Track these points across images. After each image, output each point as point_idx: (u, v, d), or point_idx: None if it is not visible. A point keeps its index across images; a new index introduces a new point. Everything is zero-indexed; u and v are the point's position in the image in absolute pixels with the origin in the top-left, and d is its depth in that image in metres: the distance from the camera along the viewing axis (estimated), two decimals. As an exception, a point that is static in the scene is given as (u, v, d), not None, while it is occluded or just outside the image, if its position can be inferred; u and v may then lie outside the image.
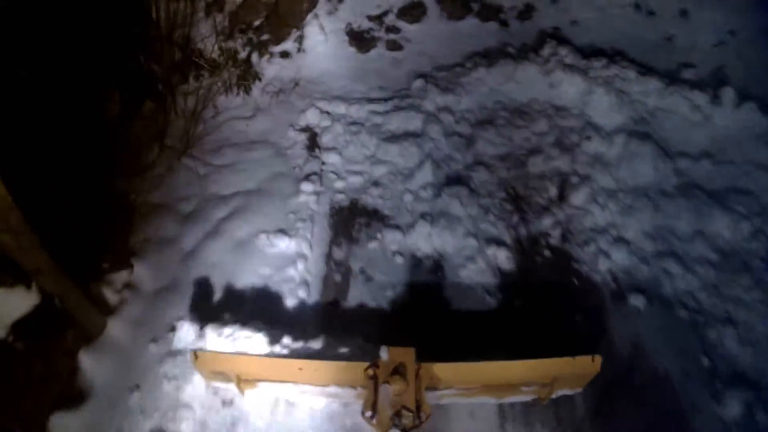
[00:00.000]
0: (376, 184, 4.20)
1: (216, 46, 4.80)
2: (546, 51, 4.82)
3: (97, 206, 4.12)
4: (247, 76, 4.80)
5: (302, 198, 4.10)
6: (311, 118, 4.68)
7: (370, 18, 5.22)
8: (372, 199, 4.13)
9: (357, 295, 3.60)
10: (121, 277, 3.74)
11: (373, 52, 5.14)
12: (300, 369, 2.61)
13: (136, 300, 3.64)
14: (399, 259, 3.77)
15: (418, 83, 4.78)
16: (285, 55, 5.01)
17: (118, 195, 4.31)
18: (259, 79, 4.85)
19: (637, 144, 4.26)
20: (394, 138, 4.42)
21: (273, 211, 4.03)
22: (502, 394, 2.79)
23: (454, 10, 5.23)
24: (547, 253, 3.85)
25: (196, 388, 2.97)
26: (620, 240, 3.85)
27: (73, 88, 4.31)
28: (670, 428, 3.04)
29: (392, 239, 3.85)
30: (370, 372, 2.49)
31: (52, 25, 4.07)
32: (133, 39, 4.52)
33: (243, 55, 4.93)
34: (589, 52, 4.90)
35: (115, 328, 3.41)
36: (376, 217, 4.00)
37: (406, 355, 2.49)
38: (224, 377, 2.73)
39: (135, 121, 4.76)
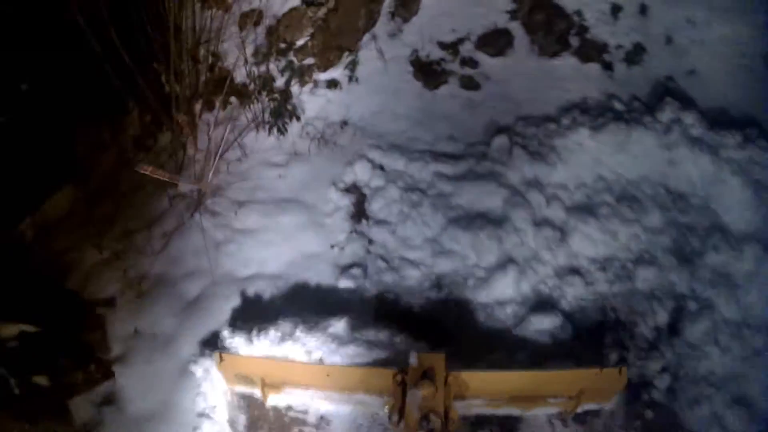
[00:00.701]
0: (438, 286, 3.31)
1: (247, 70, 3.84)
2: (666, 115, 3.84)
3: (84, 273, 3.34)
4: (284, 111, 3.87)
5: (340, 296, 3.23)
6: (360, 173, 3.77)
7: (441, 45, 4.22)
8: (430, 307, 3.25)
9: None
10: (100, 389, 2.95)
11: (443, 90, 4.16)
12: (327, 375, 2.59)
13: (118, 421, 2.86)
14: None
15: (500, 141, 3.84)
16: (333, 85, 4.05)
17: (113, 260, 3.49)
18: (298, 118, 3.92)
19: (774, 259, 3.33)
20: (466, 220, 3.51)
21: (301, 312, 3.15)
22: (528, 406, 2.74)
23: (547, 44, 4.23)
24: (648, 413, 2.98)
25: None
26: (740, 400, 2.97)
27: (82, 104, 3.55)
28: None
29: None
30: (399, 378, 2.48)
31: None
32: (153, 51, 3.61)
33: (280, 82, 3.98)
34: (715, 120, 3.91)
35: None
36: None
37: (436, 360, 2.46)
38: (248, 381, 2.71)
39: (149, 154, 3.90)
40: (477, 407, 2.71)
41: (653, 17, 4.44)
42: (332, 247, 3.49)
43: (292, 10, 3.99)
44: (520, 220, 3.49)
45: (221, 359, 2.59)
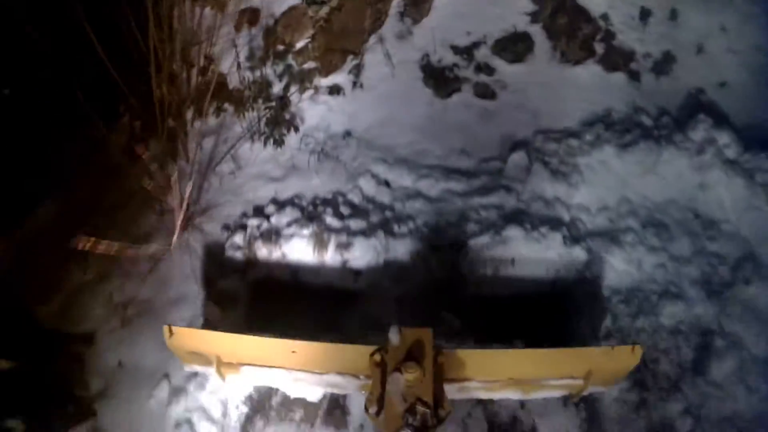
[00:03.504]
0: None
1: (241, 75, 3.80)
2: (699, 133, 3.83)
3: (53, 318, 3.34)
4: (281, 120, 3.84)
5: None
6: (365, 190, 3.74)
7: (455, 50, 4.19)
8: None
9: None
10: (79, 429, 2.93)
11: (455, 98, 4.13)
12: (293, 352, 2.40)
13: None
14: None
15: (518, 157, 3.82)
16: (335, 91, 4.01)
17: (96, 284, 3.47)
18: (296, 128, 3.88)
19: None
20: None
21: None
22: (529, 389, 2.62)
23: (570, 51, 4.21)
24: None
25: None
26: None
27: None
28: None
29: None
30: (377, 358, 2.25)
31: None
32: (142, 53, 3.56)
33: (278, 88, 3.94)
34: (748, 138, 3.90)
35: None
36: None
37: (422, 336, 2.25)
38: (203, 359, 2.55)
39: (138, 164, 3.86)
40: (469, 391, 2.56)
41: (684, 23, 4.44)
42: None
43: (292, 8, 3.95)
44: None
45: (171, 333, 2.43)
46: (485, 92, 4.15)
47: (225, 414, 2.98)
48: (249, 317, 3.32)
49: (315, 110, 4.01)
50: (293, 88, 3.96)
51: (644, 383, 3.20)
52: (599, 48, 4.28)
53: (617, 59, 4.26)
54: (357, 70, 4.08)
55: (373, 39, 4.14)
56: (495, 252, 3.40)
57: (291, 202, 3.64)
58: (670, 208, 3.76)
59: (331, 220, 3.47)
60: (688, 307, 3.41)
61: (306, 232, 3.38)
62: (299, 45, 3.97)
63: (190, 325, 3.29)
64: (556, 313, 3.40)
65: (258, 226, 3.49)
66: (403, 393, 2.09)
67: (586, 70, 4.28)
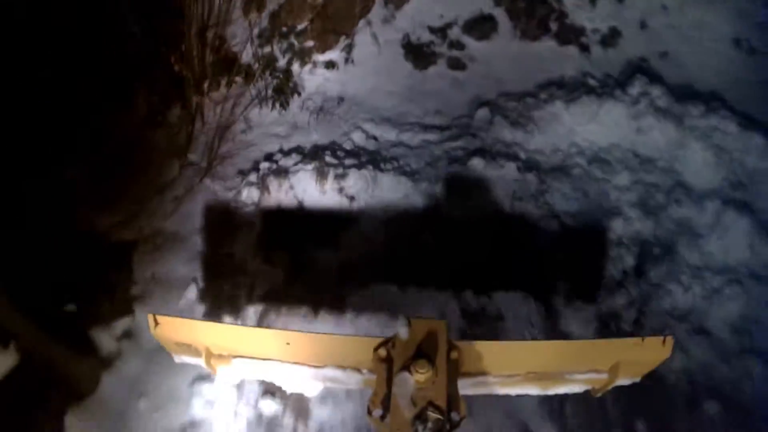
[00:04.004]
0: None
1: (252, 51, 4.63)
2: (635, 89, 4.59)
3: (105, 228, 4.05)
4: (285, 88, 4.63)
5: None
6: (356, 141, 4.50)
7: (431, 30, 5.01)
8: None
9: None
10: (120, 324, 3.62)
11: (432, 70, 4.93)
12: (288, 344, 2.20)
13: (136, 353, 3.53)
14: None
15: (482, 112, 4.59)
16: (330, 65, 4.82)
17: (129, 217, 4.20)
18: (299, 93, 4.68)
19: (733, 215, 4.03)
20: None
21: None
22: (550, 383, 2.41)
23: (528, 29, 5.01)
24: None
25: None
26: (701, 331, 3.65)
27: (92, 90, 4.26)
28: None
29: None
30: (382, 352, 2.00)
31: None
32: (162, 36, 4.39)
33: (282, 63, 4.76)
34: (682, 94, 4.66)
35: (109, 385, 3.32)
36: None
37: (435, 329, 2.01)
38: (192, 351, 2.35)
39: (158, 129, 4.64)
40: (486, 386, 2.35)
41: (629, 3, 5.24)
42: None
43: (294, -3, 4.81)
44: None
45: (156, 323, 2.21)
46: (457, 64, 4.95)
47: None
48: (261, 238, 4.04)
49: (313, 80, 4.83)
50: (295, 63, 4.77)
51: (594, 284, 3.90)
52: (554, 26, 5.09)
53: (569, 35, 5.07)
54: (348, 49, 4.90)
55: (362, 23, 4.96)
56: (462, 179, 4.15)
57: (296, 150, 4.41)
58: (613, 150, 4.49)
59: (329, 158, 4.23)
60: (628, 224, 4.12)
61: (309, 167, 4.14)
62: (300, 27, 4.80)
63: (211, 250, 4.03)
64: (516, 229, 4.11)
65: (269, 167, 4.26)
66: (413, 396, 1.86)
67: (543, 45, 5.08)
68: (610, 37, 5.10)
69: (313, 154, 4.30)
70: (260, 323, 3.60)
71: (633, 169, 4.36)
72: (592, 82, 4.81)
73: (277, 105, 4.64)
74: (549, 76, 4.89)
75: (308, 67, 4.81)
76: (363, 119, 4.65)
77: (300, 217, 4.12)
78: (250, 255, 3.90)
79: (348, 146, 4.43)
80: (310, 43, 4.81)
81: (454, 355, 2.00)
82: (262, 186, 4.14)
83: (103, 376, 3.33)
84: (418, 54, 4.96)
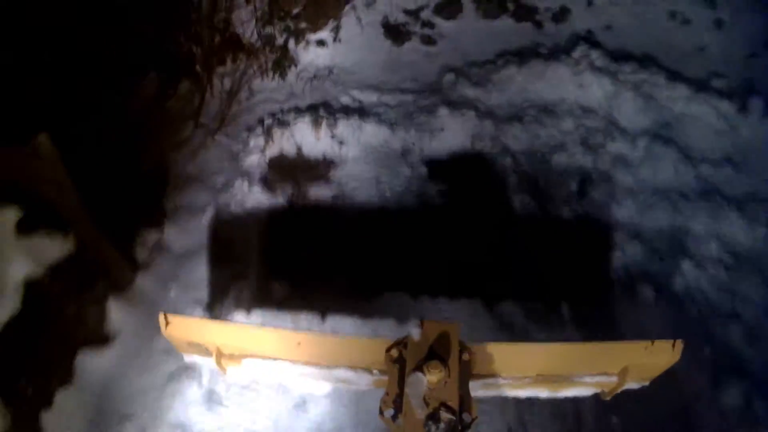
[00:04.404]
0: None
1: (254, 32, 5.55)
2: (577, 53, 5.48)
3: (135, 172, 4.88)
4: (283, 62, 5.54)
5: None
6: (344, 102, 5.38)
7: (406, 12, 5.93)
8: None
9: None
10: (152, 237, 4.42)
11: (407, 46, 5.85)
12: (299, 344, 2.25)
13: (165, 258, 4.32)
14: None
15: (449, 77, 5.47)
16: (321, 43, 5.74)
17: (154, 165, 5.05)
18: (295, 65, 5.58)
19: (660, 147, 4.87)
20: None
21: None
22: (559, 386, 2.43)
23: (489, 9, 5.93)
24: (562, 242, 4.48)
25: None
26: (636, 236, 4.46)
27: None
28: (671, 412, 3.60)
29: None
30: (395, 353, 2.08)
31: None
32: (174, 21, 5.31)
33: (280, 41, 5.67)
34: (619, 56, 5.55)
35: (143, 281, 4.08)
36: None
37: (445, 331, 2.09)
38: (203, 350, 2.39)
39: (171, 100, 5.52)
40: (495, 388, 2.41)
41: (576, -16, 6.18)
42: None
43: (290, -14, 5.77)
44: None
45: (167, 322, 2.25)
46: (428, 41, 5.86)
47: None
48: (265, 176, 4.88)
49: (307, 56, 5.73)
50: (291, 41, 5.69)
51: (543, 204, 4.73)
52: (511, 6, 6.01)
53: (525, 13, 5.99)
54: (336, 29, 5.81)
55: (347, 7, 5.89)
56: (430, 126, 5.01)
57: (294, 109, 5.29)
58: (559, 104, 5.34)
59: (322, 112, 5.10)
60: (572, 158, 4.97)
61: (306, 119, 4.99)
62: (295, 12, 5.73)
63: (226, 184, 4.86)
64: (475, 162, 4.96)
65: (272, 122, 5.13)
66: (425, 396, 1.92)
67: (502, 23, 5.99)
68: (561, 14, 6.02)
69: (309, 111, 5.17)
70: (263, 240, 4.43)
71: (576, 117, 5.22)
72: (542, 50, 5.70)
73: (276, 76, 5.54)
74: (506, 47, 5.79)
75: (302, 44, 5.72)
76: (349, 86, 5.54)
77: (298, 158, 4.99)
78: (256, 188, 4.74)
79: (337, 105, 5.31)
80: (303, 25, 5.73)
81: (465, 356, 2.08)
82: (267, 136, 5.01)
83: (138, 274, 4.14)
84: (395, 32, 5.88)
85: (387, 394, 1.99)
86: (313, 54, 5.73)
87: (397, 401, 1.96)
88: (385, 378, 2.09)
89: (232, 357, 2.39)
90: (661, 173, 4.80)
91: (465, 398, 1.96)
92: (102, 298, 3.85)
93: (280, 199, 4.66)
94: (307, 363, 2.32)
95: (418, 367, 1.92)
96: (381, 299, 3.95)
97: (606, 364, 2.33)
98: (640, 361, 2.27)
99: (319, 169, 4.94)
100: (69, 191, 3.43)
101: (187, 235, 4.47)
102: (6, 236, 3.00)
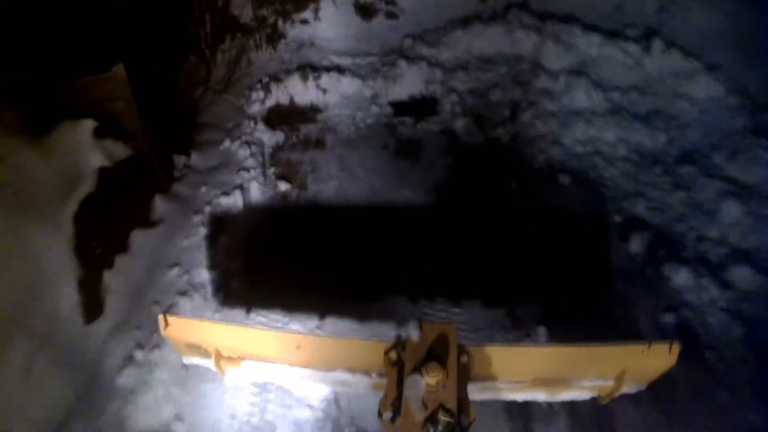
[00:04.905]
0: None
1: (250, 14, 6.91)
2: (510, 16, 6.84)
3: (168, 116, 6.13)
4: (274, 37, 6.89)
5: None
6: (324, 64, 6.72)
7: (372, -7, 7.34)
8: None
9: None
10: (181, 160, 5.69)
11: (374, 21, 7.20)
12: (298, 347, 2.30)
13: (193, 173, 5.59)
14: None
15: (408, 41, 6.82)
16: (304, 22, 7.10)
17: (179, 114, 6.32)
18: (284, 39, 6.94)
19: (576, 80, 6.19)
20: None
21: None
22: (557, 390, 2.48)
23: (442, -11, 7.31)
24: (498, 148, 5.77)
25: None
26: (557, 143, 5.75)
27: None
28: (590, 258, 4.80)
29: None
30: (393, 355, 2.14)
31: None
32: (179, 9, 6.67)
33: (271, 21, 7.02)
34: (545, 16, 6.90)
35: (179, 186, 5.34)
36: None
37: (444, 333, 2.15)
38: (202, 352, 2.45)
39: (181, 72, 6.85)
40: (493, 391, 2.44)
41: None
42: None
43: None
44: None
45: (166, 323, 2.27)
46: (391, 15, 7.21)
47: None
48: (267, 117, 6.18)
49: (293, 32, 7.08)
50: (280, 20, 7.05)
51: (481, 126, 6.02)
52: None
53: (469, -9, 7.37)
54: (316, 10, 7.16)
55: (324, -7, 7.31)
56: (392, 75, 6.35)
57: (285, 70, 6.62)
58: (496, 55, 6.67)
59: (308, 69, 6.44)
60: (505, 92, 6.28)
61: (296, 75, 6.32)
62: (282, -3, 7.15)
63: (235, 126, 6.15)
64: (427, 99, 6.27)
65: (269, 79, 6.44)
66: (424, 398, 1.94)
67: None
68: (500, -9, 7.40)
69: (298, 70, 6.49)
70: (267, 157, 5.71)
71: (509, 63, 6.55)
72: (483, 15, 7.07)
73: (269, 48, 6.88)
74: (454, 16, 7.15)
75: (289, 23, 7.08)
76: (328, 53, 6.88)
77: (291, 105, 6.31)
78: (260, 126, 6.02)
79: (320, 66, 6.66)
80: (289, 7, 7.09)
81: (464, 359, 2.12)
82: (265, 90, 6.32)
83: (174, 183, 5.38)
84: (364, 11, 7.22)
85: (386, 396, 2.03)
86: (299, 30, 7.09)
87: (395, 403, 1.99)
88: (384, 381, 2.14)
89: (230, 359, 2.45)
90: (578, 100, 6.10)
91: (463, 400, 1.99)
92: (149, 196, 5.04)
93: (278, 133, 5.96)
94: (305, 365, 2.37)
95: (417, 369, 1.96)
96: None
97: (603, 368, 2.35)
98: (636, 364, 2.27)
99: (308, 113, 6.27)
100: (133, 109, 4.66)
101: (209, 158, 5.75)
102: (86, 138, 4.19)
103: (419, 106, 6.23)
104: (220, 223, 4.94)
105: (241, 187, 5.20)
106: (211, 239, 4.79)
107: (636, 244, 4.82)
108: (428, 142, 5.83)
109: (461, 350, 2.14)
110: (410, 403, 1.92)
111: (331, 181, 5.40)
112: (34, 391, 3.37)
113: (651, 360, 2.23)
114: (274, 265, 4.66)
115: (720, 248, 4.67)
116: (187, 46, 6.85)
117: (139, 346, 3.94)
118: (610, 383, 2.38)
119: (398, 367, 2.09)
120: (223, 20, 6.92)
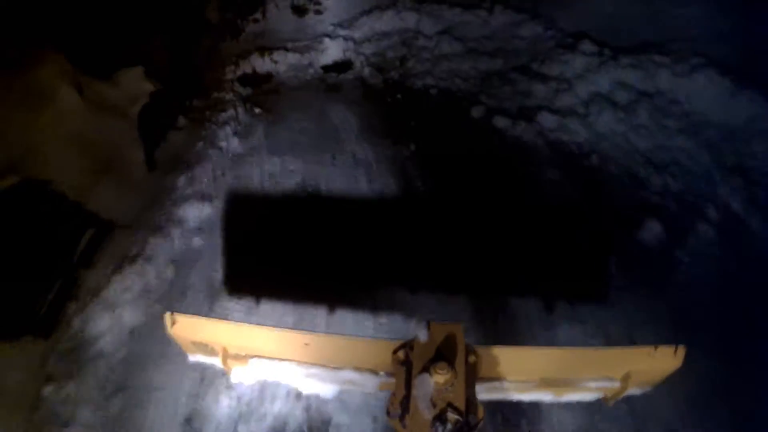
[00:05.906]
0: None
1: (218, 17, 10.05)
2: (399, 4, 10.07)
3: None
4: (236, 31, 10.05)
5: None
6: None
7: (304, -2, 10.55)
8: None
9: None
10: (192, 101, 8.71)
11: (306, 17, 10.37)
12: (306, 344, 2.32)
13: (196, 111, 8.60)
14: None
15: (331, 27, 10.00)
16: (255, 21, 10.25)
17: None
18: (243, 32, 10.10)
19: (444, 36, 9.39)
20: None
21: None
22: (563, 390, 2.49)
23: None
24: (391, 83, 8.93)
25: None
26: (429, 73, 8.93)
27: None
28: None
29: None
30: (401, 355, 2.17)
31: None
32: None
33: (232, 21, 10.16)
34: (520, 10, 10.06)
35: (190, 114, 8.34)
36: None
37: (452, 332, 2.17)
38: (209, 351, 2.46)
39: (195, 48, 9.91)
40: (500, 391, 2.45)
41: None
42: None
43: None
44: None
45: (173, 322, 2.28)
46: (318, 12, 10.37)
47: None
48: (240, 81, 9.25)
49: (249, 27, 10.22)
50: (239, 21, 10.17)
51: (381, 71, 9.16)
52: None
53: (371, -10, 10.61)
54: (264, 12, 10.28)
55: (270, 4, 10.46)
56: (320, 49, 9.51)
57: (247, 51, 9.72)
58: (392, 30, 9.87)
59: (264, 50, 9.57)
60: (396, 51, 9.46)
61: (256, 52, 9.42)
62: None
63: (241, 53, 9.19)
64: (344, 64, 9.41)
65: (237, 58, 9.51)
66: (432, 397, 1.97)
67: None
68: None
69: (257, 50, 9.62)
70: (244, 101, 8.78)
71: (399, 34, 9.74)
72: (382, 5, 10.28)
73: (234, 40, 10.00)
74: (363, 9, 10.32)
75: (245, 22, 10.21)
76: (275, 41, 9.98)
77: (254, 73, 9.40)
78: (236, 86, 9.07)
79: (271, 47, 9.81)
80: (245, 10, 10.22)
81: (472, 358, 2.18)
82: (236, 65, 9.36)
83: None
84: (298, 10, 10.38)
85: (394, 395, 2.09)
86: (253, 26, 10.23)
87: (404, 403, 2.04)
88: (391, 380, 2.23)
89: (238, 357, 2.47)
90: (444, 49, 9.32)
91: (471, 400, 2.03)
92: (176, 112, 8.06)
93: (248, 89, 9.01)
94: (314, 364, 2.41)
95: (425, 369, 2.02)
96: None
97: (609, 369, 2.39)
98: (642, 367, 2.31)
99: (266, 77, 9.35)
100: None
101: (206, 102, 8.74)
102: (140, 76, 7.18)
103: (340, 66, 9.37)
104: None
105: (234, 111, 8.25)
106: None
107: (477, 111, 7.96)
108: (346, 84, 8.94)
109: (469, 350, 2.19)
110: (419, 402, 1.95)
111: (286, 109, 8.45)
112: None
113: (657, 362, 2.26)
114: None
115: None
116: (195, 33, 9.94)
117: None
118: (617, 385, 2.40)
119: (406, 366, 2.13)
120: (233, 9, 10.06)
